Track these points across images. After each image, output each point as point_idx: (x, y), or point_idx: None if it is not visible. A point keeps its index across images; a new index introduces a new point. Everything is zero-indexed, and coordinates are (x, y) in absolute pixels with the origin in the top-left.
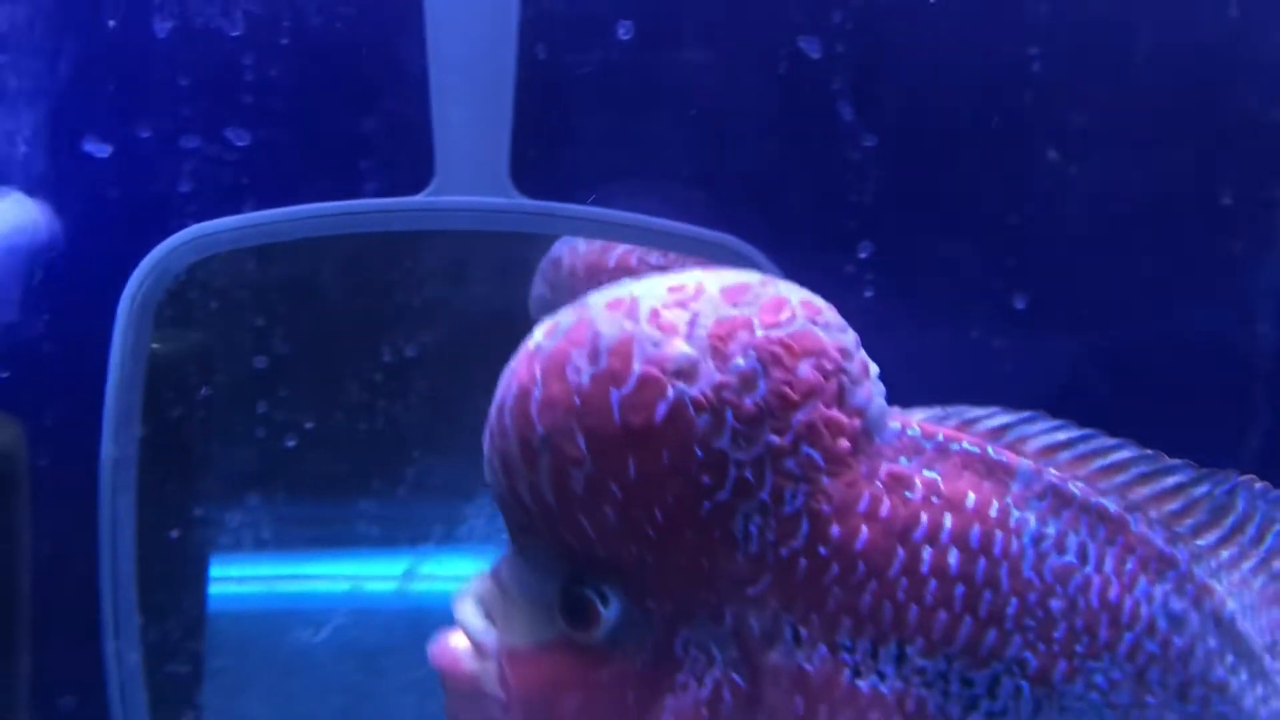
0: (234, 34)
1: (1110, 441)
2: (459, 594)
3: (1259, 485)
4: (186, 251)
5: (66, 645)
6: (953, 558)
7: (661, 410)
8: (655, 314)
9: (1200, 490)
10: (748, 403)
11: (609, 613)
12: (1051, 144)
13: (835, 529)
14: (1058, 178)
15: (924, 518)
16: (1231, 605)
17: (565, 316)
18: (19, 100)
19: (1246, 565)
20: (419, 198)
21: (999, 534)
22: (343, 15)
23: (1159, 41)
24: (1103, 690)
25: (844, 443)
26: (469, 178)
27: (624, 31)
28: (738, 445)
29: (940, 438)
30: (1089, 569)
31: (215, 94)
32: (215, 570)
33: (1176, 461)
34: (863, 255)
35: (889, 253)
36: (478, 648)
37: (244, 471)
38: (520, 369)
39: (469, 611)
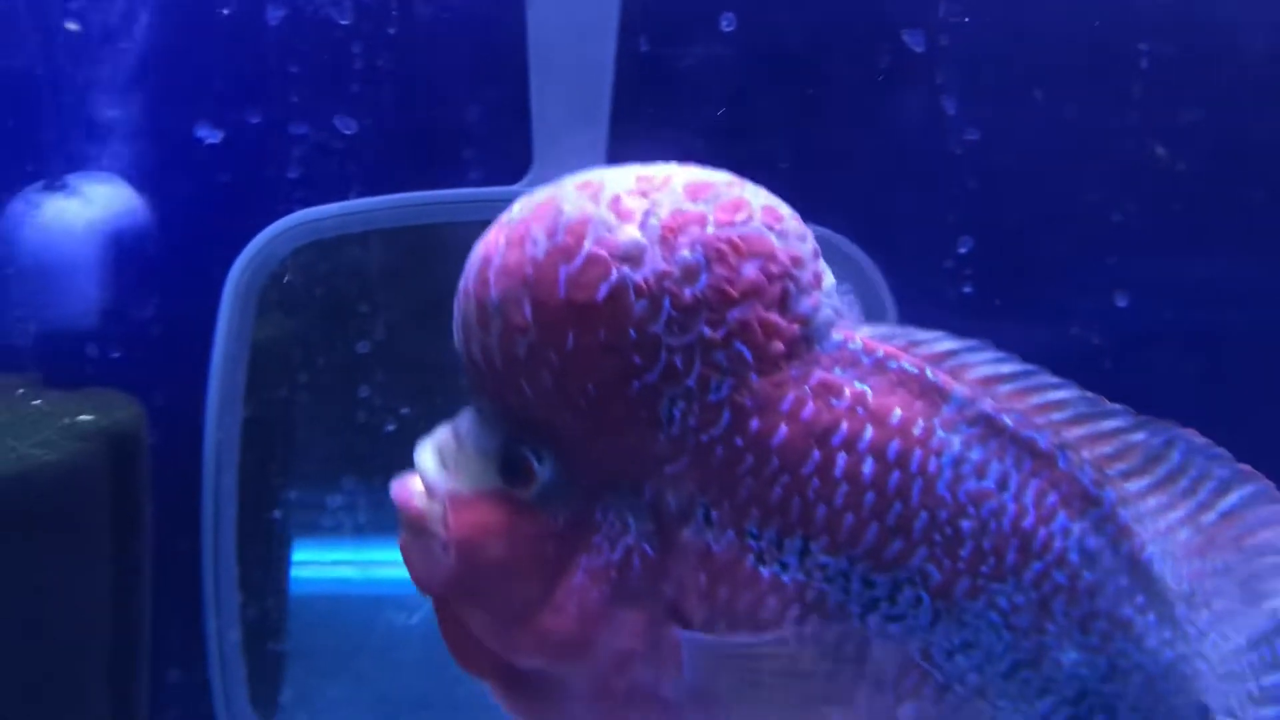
0: (343, 23)
1: (1052, 380)
2: (422, 441)
3: (1199, 439)
4: (291, 237)
5: (173, 621)
6: (867, 466)
7: (603, 290)
8: (617, 200)
9: (1137, 437)
10: (686, 293)
11: (542, 472)
12: (1159, 140)
13: (755, 423)
14: (1164, 175)
15: (845, 425)
16: (1151, 550)
17: (541, 193)
18: (132, 87)
19: (1174, 515)
20: (517, 186)
21: (918, 451)
22: (448, 6)
23: (1272, 38)
24: (1004, 611)
25: (778, 345)
26: (566, 167)
27: (725, 24)
28: (671, 332)
29: (881, 354)
30: (1006, 496)
31: (324, 82)
32: (312, 553)
33: (1117, 406)
34: (962, 250)
35: (989, 248)
36: (428, 489)
37: (342, 455)
38: (490, 237)
39: (426, 457)
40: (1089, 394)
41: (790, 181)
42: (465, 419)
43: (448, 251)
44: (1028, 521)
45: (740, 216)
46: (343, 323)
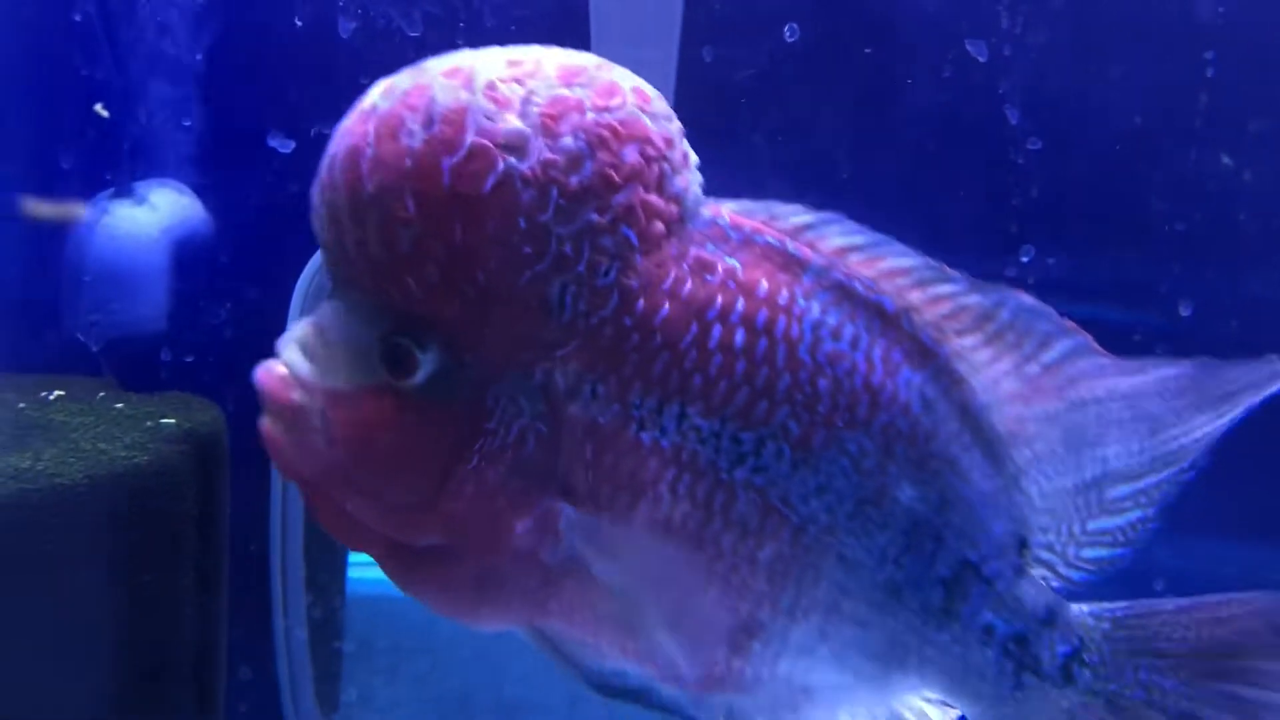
0: (413, 34)
1: (898, 248)
2: (282, 338)
3: (1028, 299)
4: None
5: (244, 620)
6: (739, 336)
7: (490, 181)
8: (492, 86)
9: (971, 299)
10: (573, 181)
11: (426, 362)
12: (1224, 149)
13: (641, 303)
14: (1230, 184)
15: (719, 300)
16: (981, 398)
17: (402, 79)
18: (205, 98)
19: (1000, 366)
20: None
21: (783, 319)
22: (516, 17)
23: None
24: (853, 457)
25: (659, 225)
26: None
27: (789, 34)
28: (560, 220)
29: (747, 229)
30: (858, 355)
31: None
32: None
33: (956, 273)
34: (1024, 259)
35: (1050, 257)
36: (301, 383)
37: None
38: (354, 127)
39: (293, 351)
40: (932, 261)
41: (849, 189)
42: (329, 313)
43: None
44: (876, 377)
45: (615, 101)
46: None
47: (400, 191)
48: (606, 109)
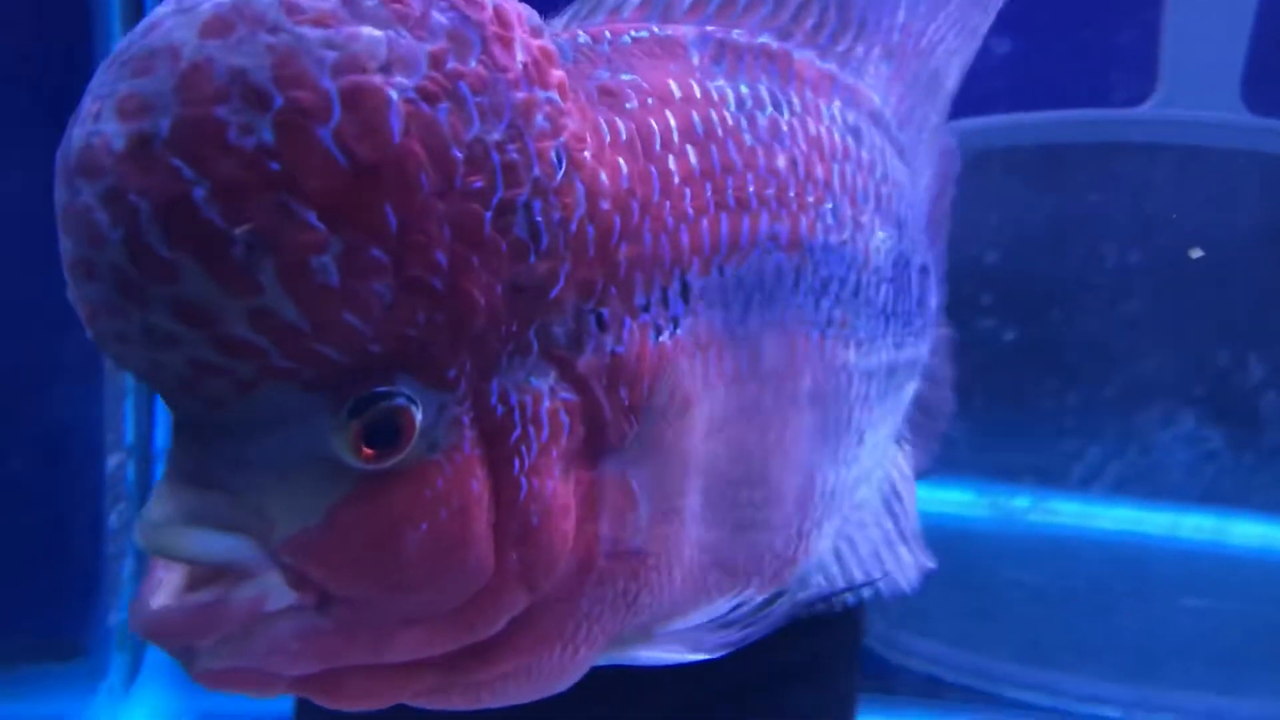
0: None
1: None
2: (155, 534)
3: None
4: None
5: None
6: (692, 156)
7: (394, 125)
8: (287, 8)
9: (814, 6)
10: (473, 65)
11: (419, 410)
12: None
13: (602, 174)
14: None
15: (653, 124)
16: (876, 99)
17: (148, 63)
18: None
19: (875, 54)
20: (1142, 109)
21: (712, 112)
22: None
23: None
24: (834, 227)
25: (557, 74)
26: (1196, 91)
27: None
28: (487, 123)
29: (607, 35)
30: (786, 113)
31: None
32: None
33: None
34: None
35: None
36: (233, 569)
37: None
38: (124, 156)
39: (195, 540)
40: None
41: None
42: (210, 459)
43: (1067, 173)
44: (812, 128)
45: None
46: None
47: (281, 213)
48: None
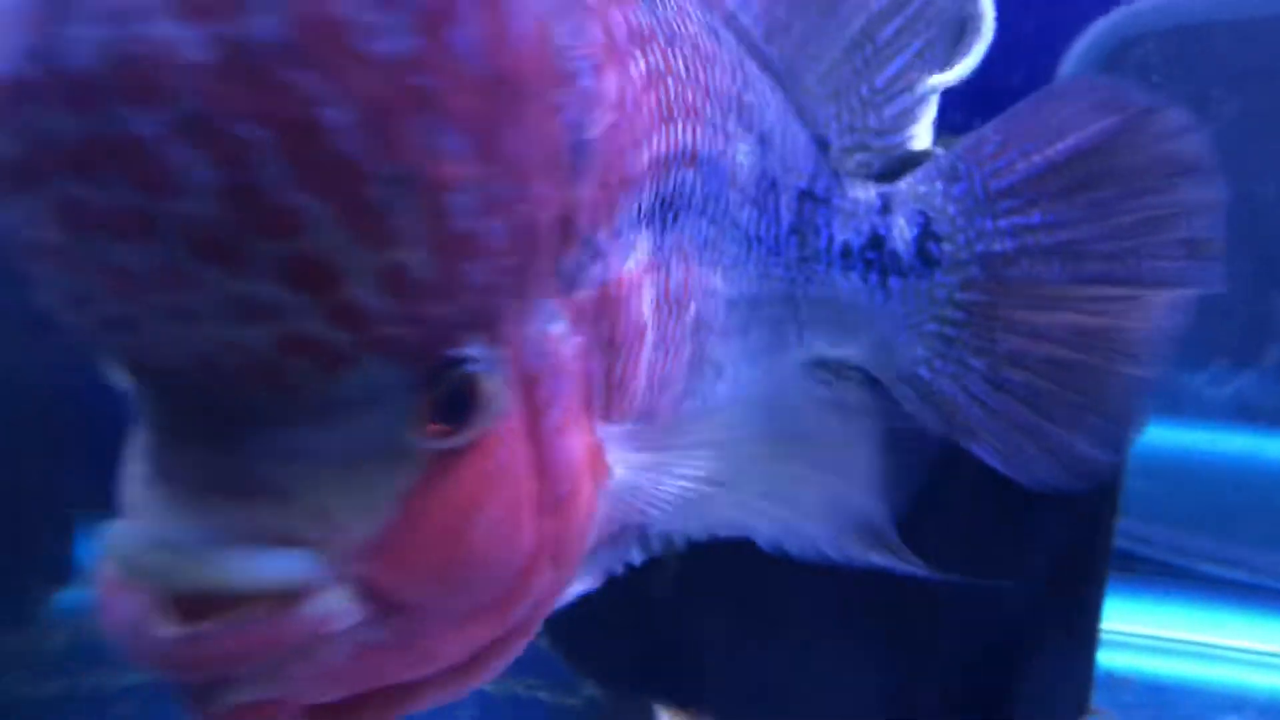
0: None
1: None
2: (181, 565)
3: None
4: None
5: None
6: (640, 63)
7: (529, 29)
8: None
9: None
10: None
11: (491, 376)
12: None
13: (609, 82)
14: None
15: (612, 28)
16: (738, 15)
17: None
18: None
19: None
20: None
21: (633, 15)
22: None
23: None
24: (713, 137)
25: None
26: None
27: None
28: (563, 28)
29: None
30: (670, 11)
31: None
32: None
33: None
34: None
35: None
36: (298, 590)
37: None
38: (212, 71)
39: (245, 565)
40: None
41: None
42: (269, 462)
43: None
44: (690, 27)
45: None
46: None
47: (431, 143)
48: None
